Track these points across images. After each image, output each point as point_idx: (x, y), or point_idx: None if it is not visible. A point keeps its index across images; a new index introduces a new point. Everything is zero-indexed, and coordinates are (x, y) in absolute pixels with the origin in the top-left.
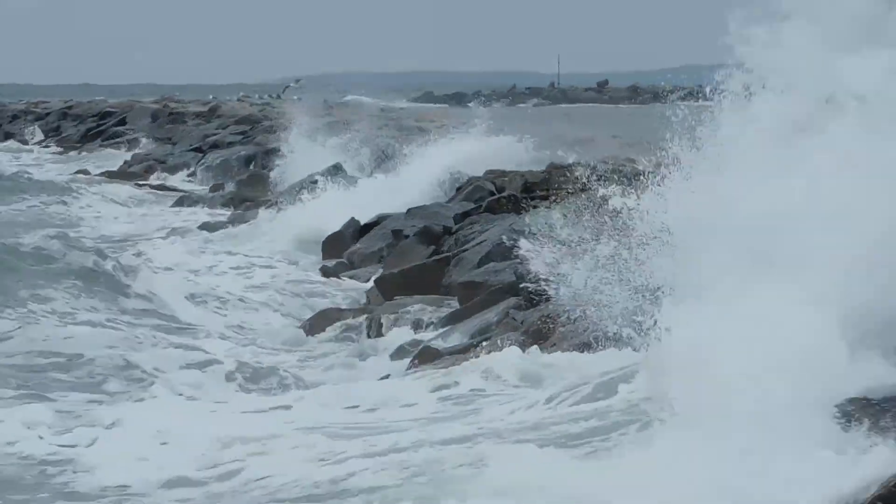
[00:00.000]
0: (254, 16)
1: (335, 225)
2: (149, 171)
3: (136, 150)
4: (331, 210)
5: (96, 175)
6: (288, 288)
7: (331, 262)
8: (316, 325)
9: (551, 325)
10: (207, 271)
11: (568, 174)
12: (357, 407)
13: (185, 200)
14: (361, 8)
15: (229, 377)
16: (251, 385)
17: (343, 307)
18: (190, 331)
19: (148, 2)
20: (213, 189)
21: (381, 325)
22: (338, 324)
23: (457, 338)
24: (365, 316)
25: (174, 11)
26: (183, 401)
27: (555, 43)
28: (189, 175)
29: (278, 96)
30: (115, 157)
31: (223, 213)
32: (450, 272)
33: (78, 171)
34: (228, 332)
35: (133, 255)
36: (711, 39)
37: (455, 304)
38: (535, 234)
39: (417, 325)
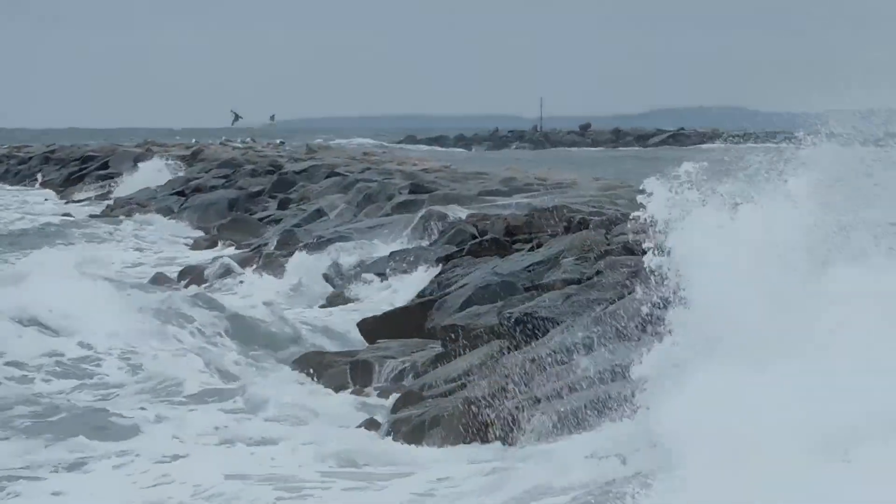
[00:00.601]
0: (234, 61)
1: None
2: (129, 215)
3: (119, 195)
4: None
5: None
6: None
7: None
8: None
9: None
10: None
11: (550, 217)
12: None
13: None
14: (341, 53)
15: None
16: None
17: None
18: None
19: (133, 46)
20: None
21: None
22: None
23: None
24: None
25: (157, 56)
26: None
27: (537, 86)
28: (170, 218)
29: (236, 118)
30: (99, 201)
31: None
32: (433, 315)
33: (64, 214)
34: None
35: None
36: (690, 83)
37: (438, 347)
38: None
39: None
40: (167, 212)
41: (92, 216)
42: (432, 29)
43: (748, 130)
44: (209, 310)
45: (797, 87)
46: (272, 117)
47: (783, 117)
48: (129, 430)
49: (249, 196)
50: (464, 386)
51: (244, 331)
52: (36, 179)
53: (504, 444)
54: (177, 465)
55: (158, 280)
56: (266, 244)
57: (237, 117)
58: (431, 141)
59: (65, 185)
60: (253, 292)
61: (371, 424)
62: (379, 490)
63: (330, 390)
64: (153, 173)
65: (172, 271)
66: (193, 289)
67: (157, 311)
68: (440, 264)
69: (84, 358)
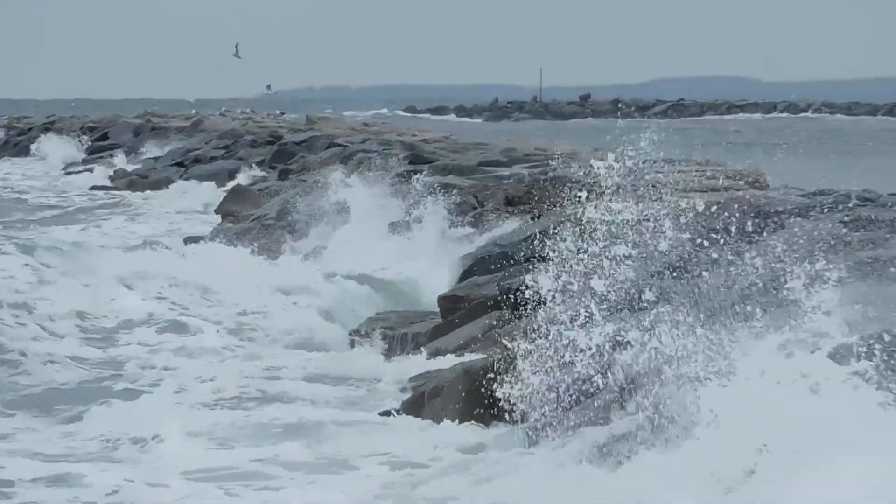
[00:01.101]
0: (234, 31)
1: None
2: (131, 186)
3: (118, 166)
4: None
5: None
6: None
7: None
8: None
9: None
10: None
11: (550, 187)
12: None
13: None
14: (340, 22)
15: None
16: None
17: None
18: None
19: (135, 20)
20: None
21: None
22: None
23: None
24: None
25: (157, 28)
26: None
27: (537, 56)
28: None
29: (236, 53)
30: (98, 172)
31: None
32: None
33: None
34: None
35: None
36: (691, 52)
37: (438, 318)
38: None
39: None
40: (167, 183)
41: (97, 188)
42: None
43: (749, 100)
44: None
45: (798, 57)
46: (268, 87)
47: (785, 87)
48: None
49: (250, 167)
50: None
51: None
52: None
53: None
54: None
55: None
56: (265, 214)
57: (269, 88)
58: (431, 111)
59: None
60: None
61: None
62: None
63: None
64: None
65: None
66: None
67: None
68: None
69: None
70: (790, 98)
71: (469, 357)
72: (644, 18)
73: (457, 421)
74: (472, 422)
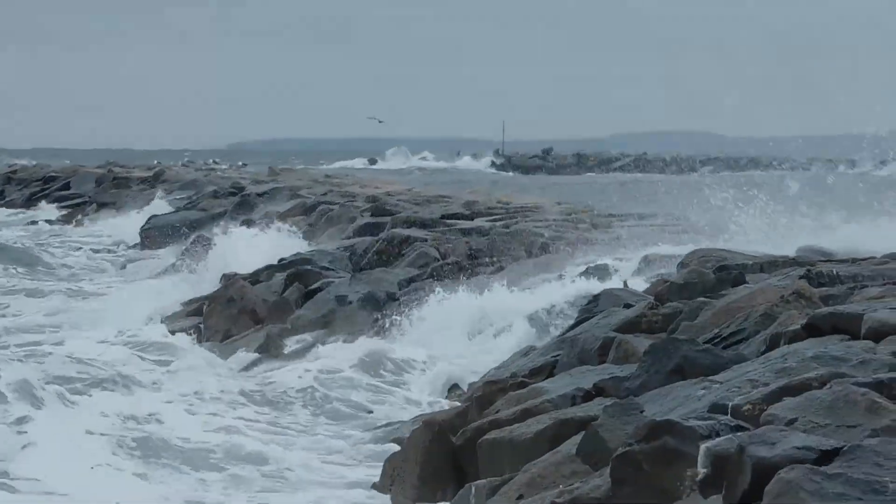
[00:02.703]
0: (197, 83)
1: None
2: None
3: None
4: None
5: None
6: None
7: (275, 328)
8: None
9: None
10: None
11: (512, 241)
12: None
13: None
14: (304, 75)
15: None
16: None
17: None
18: None
19: (96, 67)
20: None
21: None
22: None
23: None
24: None
25: (120, 77)
26: None
27: (499, 109)
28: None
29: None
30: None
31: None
32: None
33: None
34: None
35: None
36: (654, 108)
37: None
38: None
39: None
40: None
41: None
42: (395, 49)
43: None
44: None
45: (764, 112)
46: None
47: (750, 142)
48: None
49: (212, 217)
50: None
51: None
52: None
53: None
54: None
55: None
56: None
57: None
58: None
59: (27, 205)
60: None
61: None
62: None
63: None
64: None
65: None
66: None
67: None
68: (402, 287)
69: None
70: (751, 154)
71: None
72: (606, 73)
73: None
74: None
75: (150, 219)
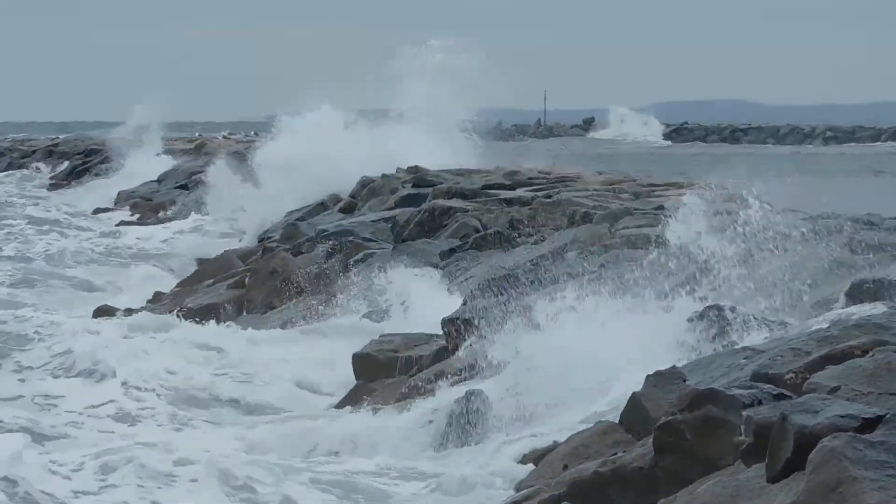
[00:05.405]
0: (235, 55)
1: None
2: (135, 207)
3: (122, 188)
4: None
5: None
6: None
7: (316, 299)
8: None
9: None
10: None
11: (554, 211)
12: None
13: None
14: (339, 45)
15: None
16: None
17: None
18: None
19: (139, 40)
20: None
21: None
22: None
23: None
24: None
25: (160, 51)
26: None
27: (541, 79)
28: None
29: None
30: (102, 193)
31: None
32: None
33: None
34: None
35: None
36: (692, 77)
37: (442, 341)
38: None
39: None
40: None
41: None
42: (414, 19)
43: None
44: None
45: (802, 80)
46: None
47: (788, 110)
48: None
49: None
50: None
51: None
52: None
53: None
54: None
55: None
56: (270, 237)
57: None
58: None
59: (67, 180)
60: None
61: None
62: None
63: None
64: None
65: None
66: None
67: None
68: (444, 258)
69: None
70: (794, 122)
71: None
72: (646, 42)
73: None
74: None
75: None
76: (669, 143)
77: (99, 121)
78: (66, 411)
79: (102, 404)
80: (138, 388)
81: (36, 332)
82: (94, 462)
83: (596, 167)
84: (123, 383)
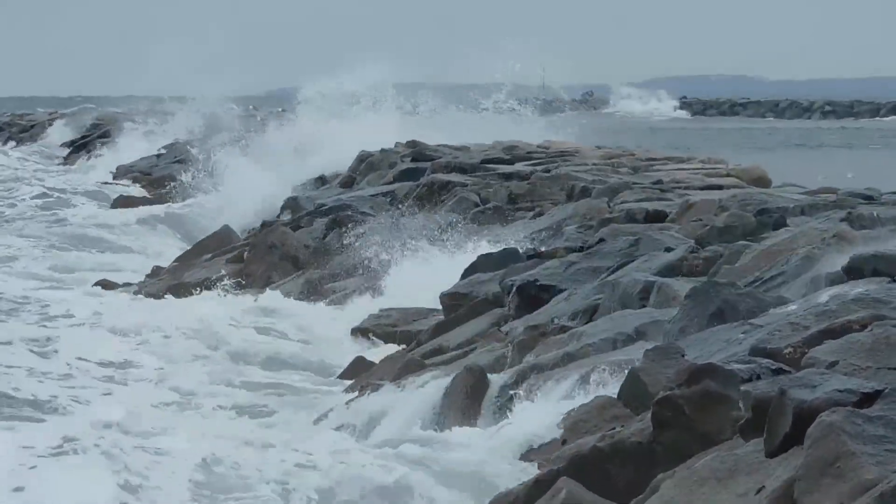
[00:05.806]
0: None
1: None
2: (135, 182)
3: (120, 163)
4: None
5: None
6: None
7: (315, 273)
8: None
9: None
10: None
11: (552, 185)
12: None
13: None
14: (343, 20)
15: None
16: None
17: None
18: None
19: (145, 16)
20: None
21: None
22: None
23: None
24: None
25: (169, 26)
26: None
27: (538, 53)
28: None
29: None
30: (101, 169)
31: None
32: None
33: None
34: None
35: None
36: (690, 52)
37: (441, 315)
38: None
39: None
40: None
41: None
42: None
43: (752, 99)
44: None
45: (803, 55)
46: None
47: (788, 85)
48: None
49: None
50: (466, 354)
51: None
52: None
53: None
54: None
55: None
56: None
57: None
58: None
59: (69, 154)
60: None
61: None
62: None
63: None
64: None
65: None
66: None
67: None
68: (442, 232)
69: None
70: (793, 97)
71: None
72: (643, 18)
73: None
74: None
75: None
76: (688, 115)
77: (105, 95)
78: None
79: None
80: None
81: None
82: None
83: (639, 141)
84: None
